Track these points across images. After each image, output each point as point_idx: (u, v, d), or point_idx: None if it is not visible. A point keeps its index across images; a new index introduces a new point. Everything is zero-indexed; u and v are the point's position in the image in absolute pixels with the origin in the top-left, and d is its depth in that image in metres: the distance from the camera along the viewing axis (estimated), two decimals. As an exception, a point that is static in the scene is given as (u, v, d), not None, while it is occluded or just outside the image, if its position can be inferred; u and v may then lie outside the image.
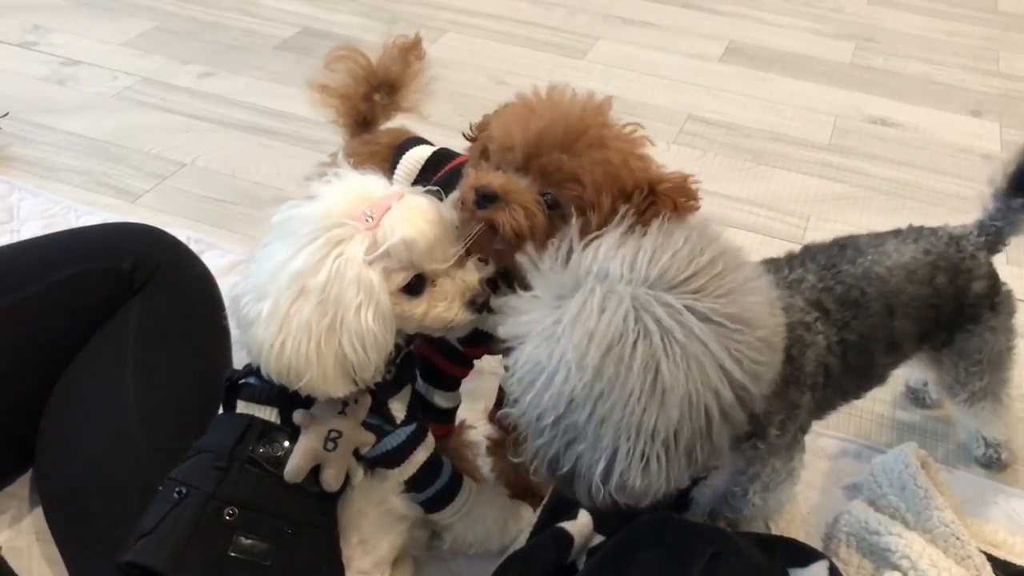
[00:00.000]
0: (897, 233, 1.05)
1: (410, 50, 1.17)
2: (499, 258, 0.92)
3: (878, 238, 1.03)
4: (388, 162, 1.13)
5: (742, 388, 0.74)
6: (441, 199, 0.94)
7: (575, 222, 0.82)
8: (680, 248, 0.75)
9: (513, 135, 0.86)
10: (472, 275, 0.92)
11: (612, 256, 0.75)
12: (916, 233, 1.05)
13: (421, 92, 1.19)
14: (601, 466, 0.72)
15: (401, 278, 0.88)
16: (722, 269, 0.75)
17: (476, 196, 0.86)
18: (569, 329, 0.72)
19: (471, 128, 0.98)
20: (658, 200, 0.86)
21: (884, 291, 0.97)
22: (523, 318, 0.77)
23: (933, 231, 1.06)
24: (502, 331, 0.80)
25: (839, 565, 1.04)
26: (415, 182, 1.09)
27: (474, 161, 0.93)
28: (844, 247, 1.00)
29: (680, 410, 0.71)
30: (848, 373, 0.96)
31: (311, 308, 0.84)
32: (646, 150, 0.89)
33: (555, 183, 0.85)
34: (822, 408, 1.00)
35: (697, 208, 0.89)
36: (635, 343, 0.70)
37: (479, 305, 0.92)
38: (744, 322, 0.74)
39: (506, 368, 0.82)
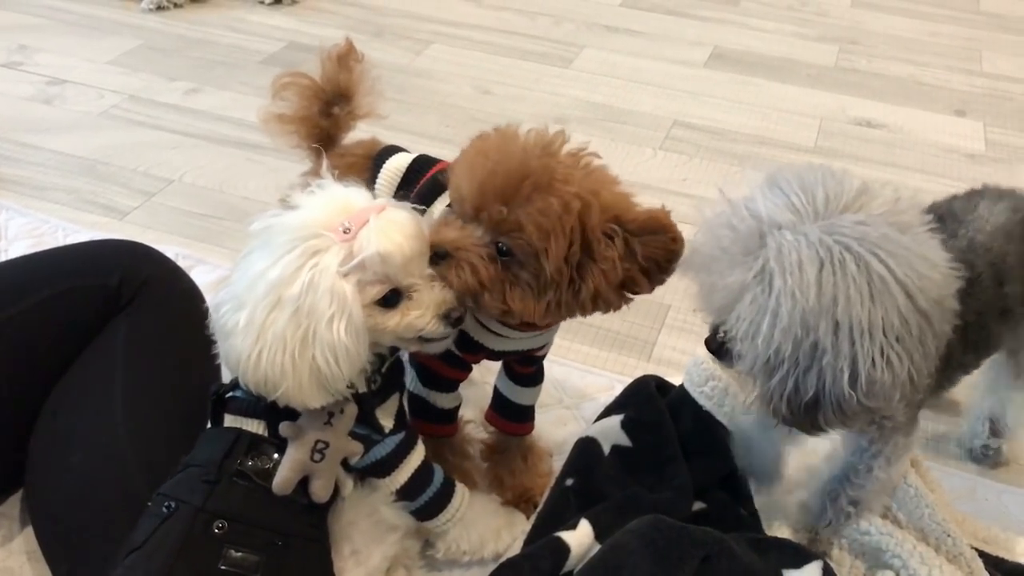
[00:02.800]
0: (981, 193, 1.05)
1: (347, 56, 1.17)
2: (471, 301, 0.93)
3: (969, 200, 1.04)
4: (366, 173, 1.13)
5: (945, 272, 0.80)
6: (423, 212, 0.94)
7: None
8: (820, 182, 0.82)
9: (461, 187, 0.89)
10: (450, 291, 0.92)
11: (772, 210, 0.80)
12: (997, 192, 1.05)
13: (372, 95, 1.19)
14: (847, 373, 0.77)
15: (376, 291, 0.87)
16: (866, 192, 0.83)
17: (431, 253, 0.90)
18: (777, 265, 0.77)
19: None
20: (636, 247, 0.88)
21: (991, 260, 0.97)
22: (725, 282, 0.81)
23: (1011, 191, 1.06)
24: (713, 312, 0.85)
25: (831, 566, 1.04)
26: (396, 190, 1.09)
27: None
28: (943, 219, 0.99)
29: (901, 297, 0.77)
30: (966, 350, 0.97)
31: (286, 319, 0.84)
32: (604, 177, 0.90)
33: (503, 232, 0.87)
34: (942, 386, 1.01)
35: (677, 242, 0.90)
36: (841, 255, 0.77)
37: (454, 320, 0.92)
38: (911, 223, 0.82)
39: (717, 346, 0.86)
